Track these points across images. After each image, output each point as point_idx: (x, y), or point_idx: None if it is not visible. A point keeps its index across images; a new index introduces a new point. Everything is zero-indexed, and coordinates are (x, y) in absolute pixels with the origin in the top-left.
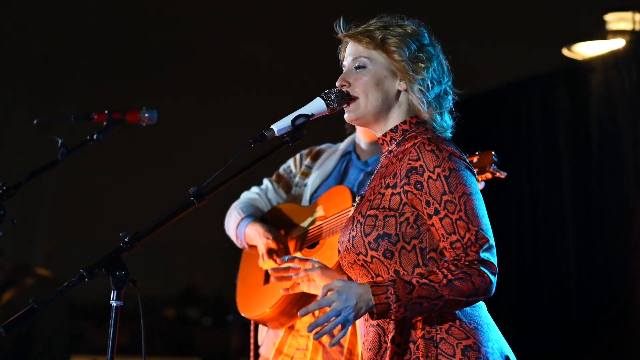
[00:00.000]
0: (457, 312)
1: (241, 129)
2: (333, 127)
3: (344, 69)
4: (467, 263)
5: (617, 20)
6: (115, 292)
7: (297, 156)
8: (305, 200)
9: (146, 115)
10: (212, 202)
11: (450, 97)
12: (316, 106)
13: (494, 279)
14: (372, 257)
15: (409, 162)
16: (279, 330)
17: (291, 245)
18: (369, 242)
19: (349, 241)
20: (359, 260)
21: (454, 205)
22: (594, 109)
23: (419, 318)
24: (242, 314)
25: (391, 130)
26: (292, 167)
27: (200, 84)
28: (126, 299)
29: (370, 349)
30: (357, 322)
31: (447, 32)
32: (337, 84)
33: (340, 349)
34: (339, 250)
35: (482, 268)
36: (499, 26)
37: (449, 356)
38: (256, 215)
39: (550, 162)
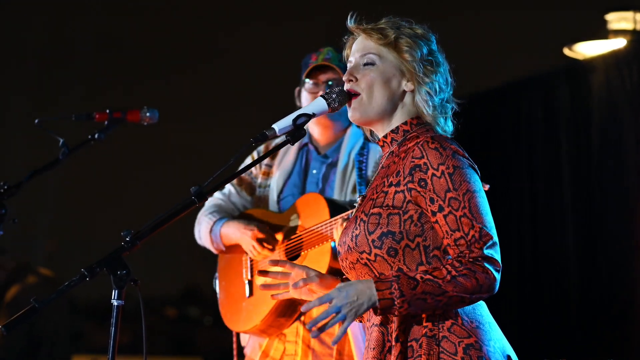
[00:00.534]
0: (460, 310)
1: (242, 129)
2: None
3: (349, 65)
4: (471, 260)
5: (618, 19)
6: (116, 291)
7: (255, 154)
8: (272, 202)
9: (147, 114)
10: None
11: (450, 106)
12: (317, 105)
13: (497, 276)
14: (375, 255)
15: (413, 160)
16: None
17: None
18: (373, 240)
19: (351, 240)
20: (362, 259)
21: (458, 202)
22: (595, 108)
23: (423, 316)
24: (230, 328)
25: (392, 131)
26: (252, 169)
27: (202, 84)
28: (127, 298)
29: (373, 348)
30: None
31: (447, 32)
32: (343, 79)
33: (330, 351)
34: (338, 252)
35: (486, 265)
36: (499, 26)
37: (450, 354)
38: (226, 217)
39: (551, 162)
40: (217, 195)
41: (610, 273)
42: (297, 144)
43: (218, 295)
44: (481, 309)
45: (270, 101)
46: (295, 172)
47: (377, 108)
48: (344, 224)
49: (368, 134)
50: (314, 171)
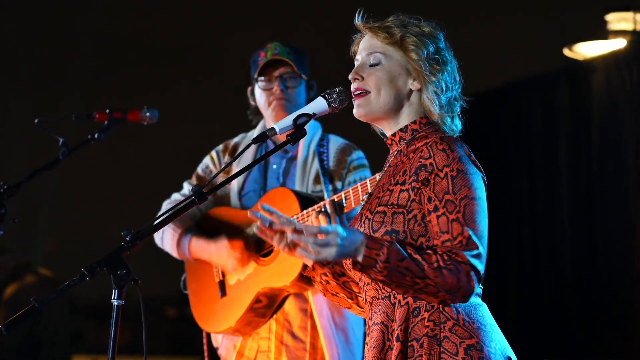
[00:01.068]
0: (461, 311)
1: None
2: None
3: (356, 63)
4: (459, 259)
5: (618, 20)
6: (116, 291)
7: (213, 154)
8: (234, 199)
9: (147, 114)
10: None
11: (458, 104)
12: (318, 105)
13: (476, 287)
14: None
15: (420, 160)
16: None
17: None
18: None
19: None
20: None
21: (454, 205)
22: (595, 108)
23: (424, 315)
24: (204, 329)
25: (401, 130)
26: (211, 167)
27: (203, 83)
28: (127, 298)
29: (374, 347)
30: (320, 318)
31: (447, 32)
32: (349, 77)
33: (303, 345)
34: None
35: (471, 272)
36: (500, 26)
37: (451, 355)
38: (190, 225)
39: (550, 162)
40: (175, 195)
41: (610, 273)
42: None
43: (189, 298)
44: (482, 310)
45: None
46: (255, 168)
47: (383, 106)
48: (319, 217)
49: (377, 131)
50: (274, 166)
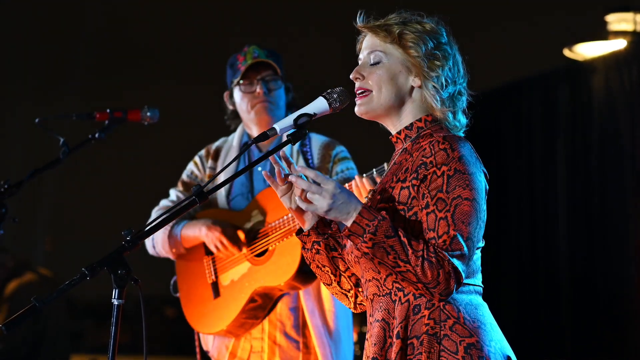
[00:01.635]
0: (462, 310)
1: None
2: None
3: (359, 62)
4: (441, 256)
5: (618, 21)
6: (116, 290)
7: (197, 159)
8: (222, 202)
9: (148, 114)
10: None
11: (464, 98)
12: (318, 105)
13: (454, 289)
14: None
15: (422, 158)
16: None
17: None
18: None
19: None
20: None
21: (445, 204)
22: (595, 109)
23: (425, 313)
24: (197, 331)
25: (406, 127)
26: (196, 172)
27: (204, 84)
28: (127, 298)
29: (375, 344)
30: (311, 317)
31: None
32: (351, 77)
33: (296, 345)
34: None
35: (452, 272)
36: (500, 26)
37: (451, 353)
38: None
39: (550, 162)
40: (163, 202)
41: (609, 273)
42: (237, 144)
43: (180, 300)
44: (483, 309)
45: None
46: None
47: (384, 103)
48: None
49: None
50: (259, 168)
